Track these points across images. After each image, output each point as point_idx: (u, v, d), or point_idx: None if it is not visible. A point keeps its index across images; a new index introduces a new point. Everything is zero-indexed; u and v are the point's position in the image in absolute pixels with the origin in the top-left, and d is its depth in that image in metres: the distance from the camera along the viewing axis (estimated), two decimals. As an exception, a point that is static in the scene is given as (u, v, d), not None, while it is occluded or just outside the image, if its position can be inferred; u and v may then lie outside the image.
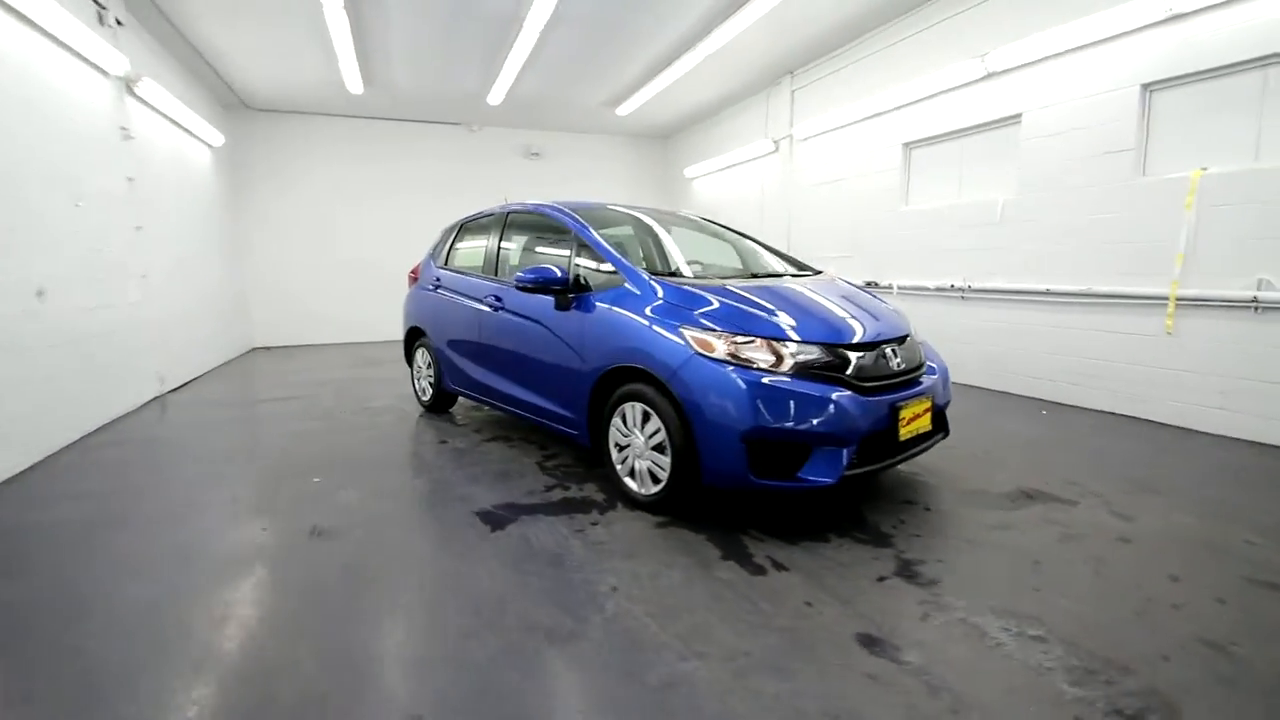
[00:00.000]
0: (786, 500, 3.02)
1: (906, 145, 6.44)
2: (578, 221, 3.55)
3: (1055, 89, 4.94)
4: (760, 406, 2.51)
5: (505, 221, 4.24)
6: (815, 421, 2.52)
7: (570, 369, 3.30)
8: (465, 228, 4.85)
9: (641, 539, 2.68)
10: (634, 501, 3.01)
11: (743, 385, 2.53)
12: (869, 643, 1.94)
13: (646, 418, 2.89)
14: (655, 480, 2.90)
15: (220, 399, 5.81)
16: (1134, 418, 4.54)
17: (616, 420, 3.06)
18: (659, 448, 2.84)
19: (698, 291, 2.92)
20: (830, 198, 7.52)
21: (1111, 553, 2.53)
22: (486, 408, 4.71)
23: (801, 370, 2.59)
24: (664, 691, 1.70)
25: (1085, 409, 4.82)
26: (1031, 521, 2.83)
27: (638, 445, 2.95)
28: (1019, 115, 5.25)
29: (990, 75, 5.40)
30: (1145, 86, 4.39)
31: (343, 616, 2.09)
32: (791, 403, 2.51)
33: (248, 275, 9.32)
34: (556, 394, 3.46)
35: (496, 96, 8.46)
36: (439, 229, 5.53)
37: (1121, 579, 2.32)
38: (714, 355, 2.63)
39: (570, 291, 3.31)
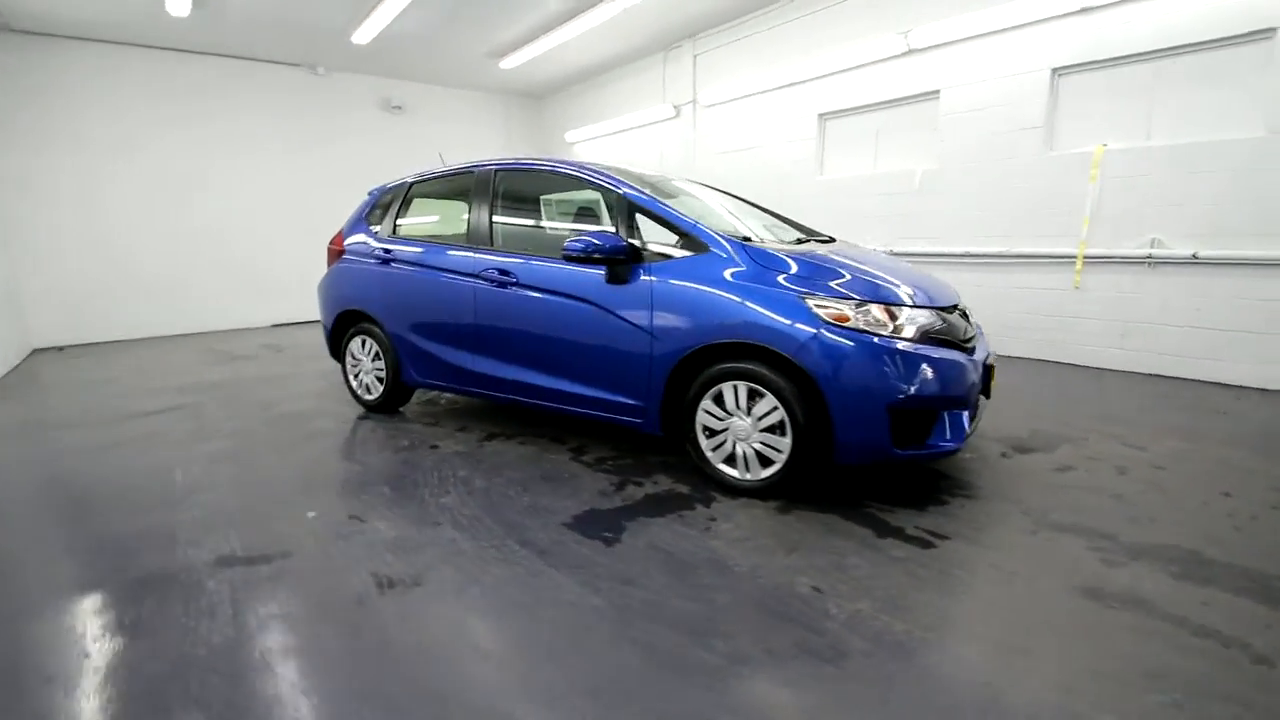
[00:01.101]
0: (860, 474, 2.99)
1: (822, 116, 6.71)
2: (623, 182, 3.11)
3: (973, 69, 5.43)
4: (905, 375, 2.43)
5: (492, 183, 3.59)
6: (950, 386, 2.50)
7: (633, 351, 2.91)
8: (416, 189, 4.05)
9: (781, 529, 2.47)
10: (732, 489, 2.78)
11: (888, 354, 2.42)
12: (1091, 594, 1.98)
13: (753, 397, 2.65)
14: (765, 463, 2.69)
15: (44, 420, 4.30)
16: (1051, 361, 5.28)
17: (707, 403, 2.77)
18: (773, 428, 2.63)
19: (799, 259, 2.73)
20: (740, 165, 7.61)
21: (1162, 478, 2.88)
22: (446, 399, 4.05)
23: (925, 336, 2.55)
24: (992, 690, 1.56)
25: (1009, 356, 5.50)
26: (1078, 460, 3.13)
27: (741, 428, 2.70)
28: (938, 91, 5.71)
29: (911, 52, 5.78)
30: (1055, 70, 5.00)
31: (578, 670, 1.62)
32: (930, 369, 2.46)
33: (15, 256, 6.98)
34: (610, 379, 3.05)
35: (365, 35, 7.19)
36: (361, 191, 4.59)
37: (1194, 497, 2.64)
38: (848, 325, 2.47)
39: (630, 262, 2.90)
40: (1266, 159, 4.10)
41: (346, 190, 9.02)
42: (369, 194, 4.36)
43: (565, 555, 2.30)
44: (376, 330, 4.02)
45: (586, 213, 3.72)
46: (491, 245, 3.49)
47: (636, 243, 2.95)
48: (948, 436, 2.54)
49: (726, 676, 1.64)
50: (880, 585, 2.07)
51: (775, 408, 2.60)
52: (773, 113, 7.13)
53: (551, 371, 3.25)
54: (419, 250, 3.79)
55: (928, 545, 2.33)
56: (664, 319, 2.81)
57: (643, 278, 2.88)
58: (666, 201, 3.02)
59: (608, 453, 3.37)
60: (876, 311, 2.51)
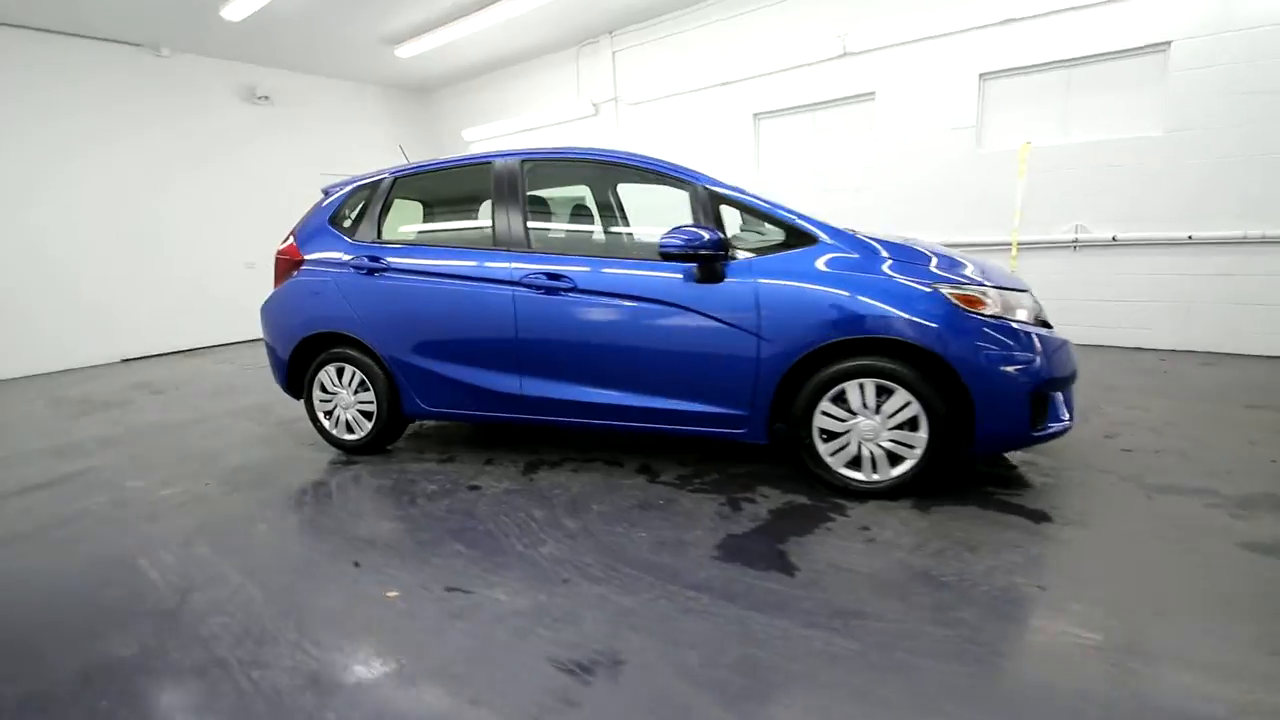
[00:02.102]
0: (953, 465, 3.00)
1: (757, 115, 6.82)
2: (697, 173, 2.83)
3: (907, 72, 5.80)
4: (1040, 357, 2.44)
5: (520, 176, 3.10)
6: (1068, 365, 2.56)
7: (736, 355, 2.65)
8: (401, 186, 3.41)
9: (942, 529, 2.35)
10: (856, 494, 2.62)
11: (1025, 338, 2.42)
12: (1253, 548, 2.10)
13: (880, 394, 2.52)
14: (894, 462, 2.57)
15: None
16: (994, 339, 5.78)
17: (825, 405, 2.59)
18: (903, 425, 2.51)
19: (911, 247, 2.65)
20: (671, 164, 7.51)
21: (1193, 434, 3.20)
22: (420, 427, 3.48)
23: (1035, 319, 2.58)
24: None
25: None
26: (1113, 427, 3.39)
27: (868, 427, 2.55)
28: (874, 93, 6.03)
29: (847, 54, 6.05)
30: (982, 75, 5.48)
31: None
32: (1054, 349, 2.50)
33: None
34: (703, 389, 2.75)
35: (239, 10, 6.03)
36: (314, 187, 3.80)
37: (1233, 448, 2.96)
38: (985, 312, 2.43)
39: (724, 259, 2.64)
40: (1166, 154, 4.81)
41: (197, 195, 7.60)
42: (324, 192, 3.60)
43: (754, 594, 1.99)
44: (360, 356, 3.32)
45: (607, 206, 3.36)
46: (529, 248, 3.01)
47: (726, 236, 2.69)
48: (1064, 415, 2.60)
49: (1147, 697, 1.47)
50: (1087, 573, 2.03)
51: (908, 403, 2.48)
52: (705, 112, 7.12)
53: (628, 387, 2.86)
54: (425, 257, 3.18)
55: (1083, 525, 2.34)
56: (775, 318, 2.58)
57: (739, 276, 2.63)
58: (751, 191, 2.79)
59: (681, 469, 3.05)
60: (1002, 297, 2.49)
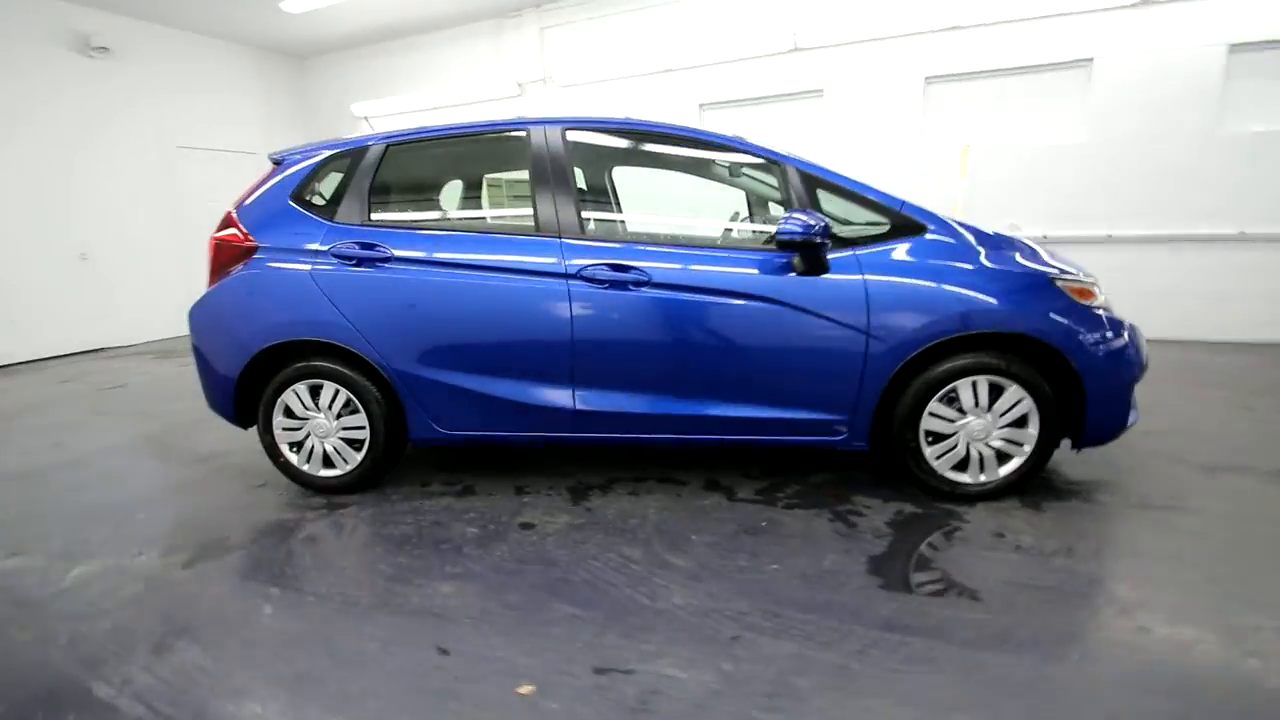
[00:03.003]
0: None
1: (703, 106, 6.63)
2: (786, 155, 2.53)
3: (856, 71, 5.91)
4: (1138, 348, 2.45)
5: (565, 148, 2.58)
6: (1147, 356, 2.61)
7: (842, 355, 2.40)
8: (396, 155, 2.73)
9: (1075, 529, 2.28)
10: (964, 497, 2.49)
11: (1128, 330, 2.43)
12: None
13: (992, 392, 2.40)
14: (1002, 460, 2.46)
15: None
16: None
17: (934, 405, 2.42)
18: (1014, 422, 2.42)
19: (1008, 235, 2.56)
20: (608, 153, 7.12)
21: (1220, 412, 3.47)
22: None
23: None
24: None
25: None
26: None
27: (978, 427, 2.42)
28: (822, 90, 6.09)
29: (798, 49, 6.04)
30: (927, 79, 5.72)
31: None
32: (1142, 341, 2.53)
33: None
34: (801, 393, 2.47)
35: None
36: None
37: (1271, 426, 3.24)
38: (1094, 304, 2.39)
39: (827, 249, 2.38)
40: (1091, 159, 5.31)
41: (8, 170, 5.96)
42: (275, 160, 2.82)
43: (961, 629, 1.75)
44: (345, 370, 2.62)
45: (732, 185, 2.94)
46: (584, 235, 2.53)
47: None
48: (1136, 404, 2.65)
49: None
50: (1249, 564, 2.03)
51: (1020, 399, 2.38)
52: (647, 99, 6.80)
53: (712, 396, 2.50)
54: (445, 247, 2.58)
55: (1192, 512, 2.38)
56: (886, 314, 2.36)
57: (845, 269, 2.38)
58: (847, 175, 2.54)
59: (754, 483, 2.75)
60: (1099, 289, 2.48)
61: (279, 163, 2.80)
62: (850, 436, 2.50)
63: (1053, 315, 2.33)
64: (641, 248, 2.50)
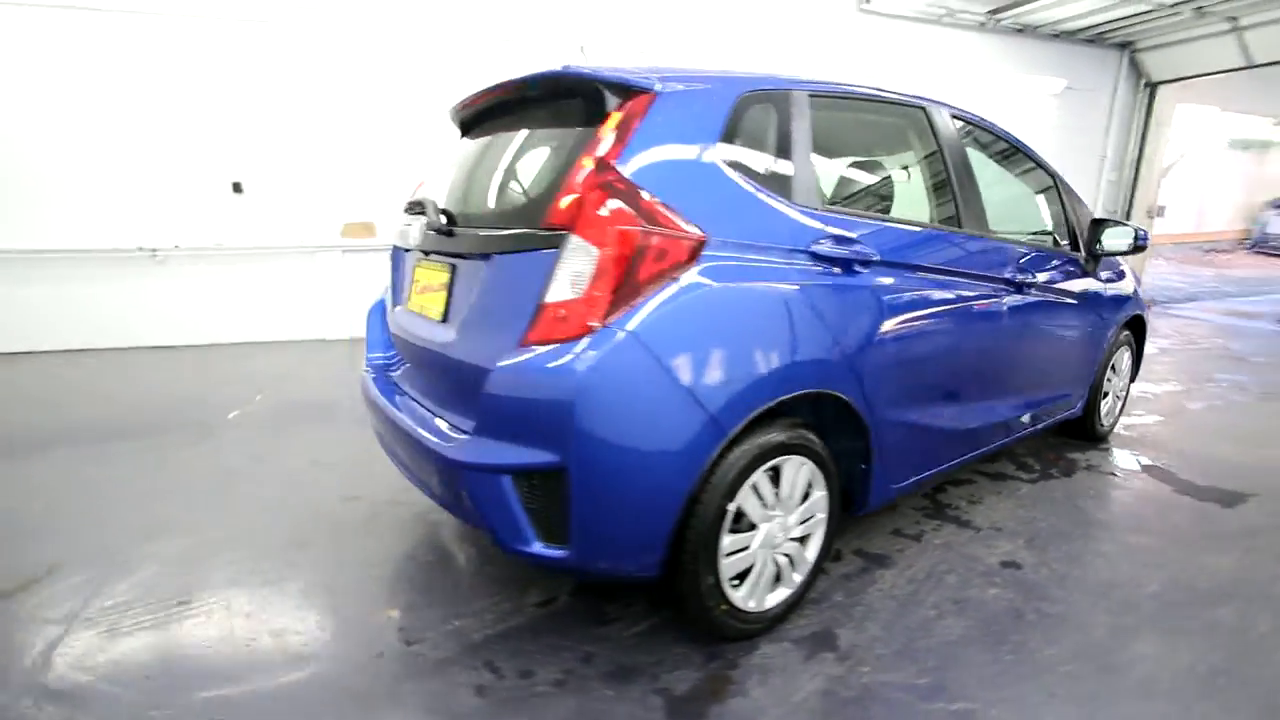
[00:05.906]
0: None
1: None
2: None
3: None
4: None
5: (953, 136, 2.24)
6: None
7: (1096, 342, 2.97)
8: (821, 111, 1.86)
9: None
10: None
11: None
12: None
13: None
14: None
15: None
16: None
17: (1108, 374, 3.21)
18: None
19: None
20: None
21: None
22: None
23: None
24: None
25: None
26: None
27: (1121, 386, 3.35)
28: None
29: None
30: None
31: None
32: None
33: None
34: (1075, 377, 2.93)
35: None
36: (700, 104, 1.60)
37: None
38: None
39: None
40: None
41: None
42: (697, 98, 1.61)
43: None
44: (810, 437, 1.76)
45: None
46: (988, 232, 2.33)
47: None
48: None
49: None
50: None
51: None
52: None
53: (1032, 393, 2.76)
54: (931, 244, 2.11)
55: (1237, 501, 2.72)
56: (1107, 303, 3.03)
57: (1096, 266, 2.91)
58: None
59: (1021, 459, 3.09)
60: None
61: (644, 90, 1.54)
62: (1077, 409, 3.05)
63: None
64: (1023, 252, 2.45)
